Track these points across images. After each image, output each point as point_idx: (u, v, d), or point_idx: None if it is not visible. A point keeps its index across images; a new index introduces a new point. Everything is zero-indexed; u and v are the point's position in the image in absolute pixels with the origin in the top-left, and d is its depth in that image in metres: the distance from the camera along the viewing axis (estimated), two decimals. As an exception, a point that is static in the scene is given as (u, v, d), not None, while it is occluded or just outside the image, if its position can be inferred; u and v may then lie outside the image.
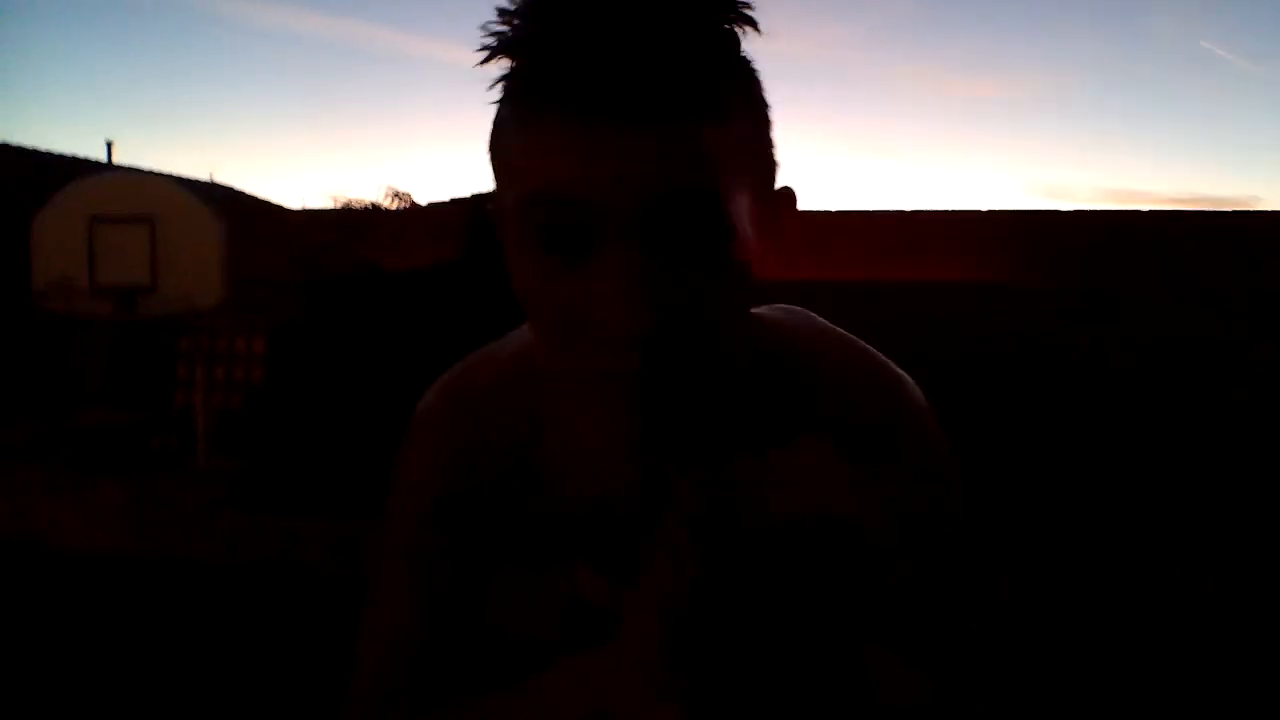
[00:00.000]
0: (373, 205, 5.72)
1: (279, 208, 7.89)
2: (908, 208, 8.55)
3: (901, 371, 0.74)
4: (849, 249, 8.08)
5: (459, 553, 0.74)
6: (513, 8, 0.53)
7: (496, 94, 0.58)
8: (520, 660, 0.72)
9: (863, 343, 0.75)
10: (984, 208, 8.80)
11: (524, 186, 0.55)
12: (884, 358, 0.75)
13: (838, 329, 0.76)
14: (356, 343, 4.94)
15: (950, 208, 8.88)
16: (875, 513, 0.69)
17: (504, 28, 0.54)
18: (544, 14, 0.52)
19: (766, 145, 0.61)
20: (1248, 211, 8.19)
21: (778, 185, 0.64)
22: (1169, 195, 17.31)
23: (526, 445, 0.73)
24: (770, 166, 0.62)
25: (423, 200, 6.43)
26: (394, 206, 5.84)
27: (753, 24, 0.55)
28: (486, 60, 0.55)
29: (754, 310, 0.73)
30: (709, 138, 0.53)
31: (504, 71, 0.56)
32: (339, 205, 5.84)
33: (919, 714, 0.69)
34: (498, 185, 0.61)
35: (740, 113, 0.57)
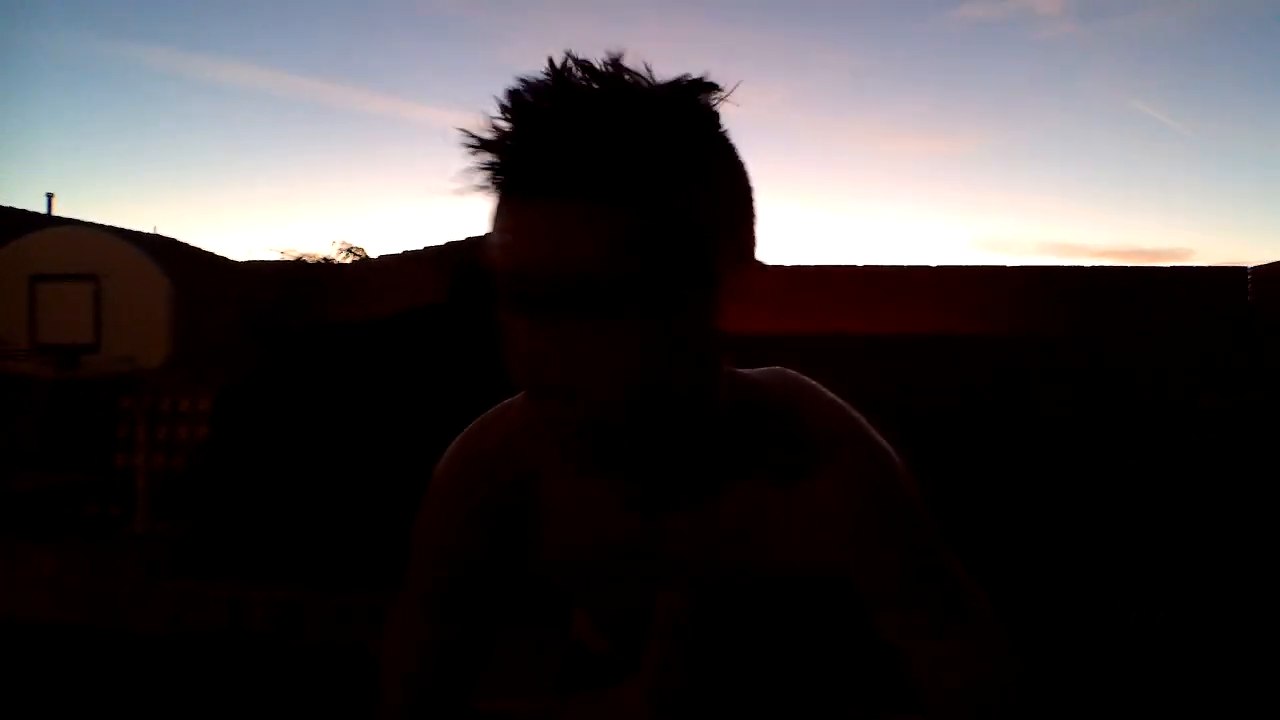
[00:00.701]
0: (324, 259, 5.65)
1: (226, 261, 7.76)
2: (858, 262, 8.70)
3: (864, 421, 0.80)
4: (799, 303, 8.17)
5: (472, 609, 0.84)
6: (498, 112, 0.61)
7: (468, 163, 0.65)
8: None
9: (842, 403, 0.81)
10: (930, 262, 9.00)
11: (500, 264, 0.64)
12: (848, 406, 0.81)
13: (822, 391, 0.82)
14: (309, 400, 4.83)
15: (898, 262, 9.05)
16: (849, 555, 0.76)
17: (489, 129, 0.62)
18: (516, 121, 0.61)
19: (727, 213, 0.67)
20: (1179, 266, 8.46)
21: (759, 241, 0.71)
22: (1106, 248, 17.87)
23: (532, 500, 0.81)
24: (735, 229, 0.69)
25: (375, 253, 6.40)
26: (346, 260, 5.76)
27: (711, 117, 0.65)
28: (474, 153, 0.63)
29: (742, 371, 0.80)
30: (649, 214, 0.61)
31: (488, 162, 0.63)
32: (289, 259, 5.76)
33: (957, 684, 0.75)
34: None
35: (692, 191, 0.63)
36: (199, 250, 7.78)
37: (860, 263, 8.68)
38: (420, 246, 7.78)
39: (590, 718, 0.81)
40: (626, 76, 0.61)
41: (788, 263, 8.56)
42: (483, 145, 0.62)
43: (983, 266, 8.88)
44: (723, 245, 0.67)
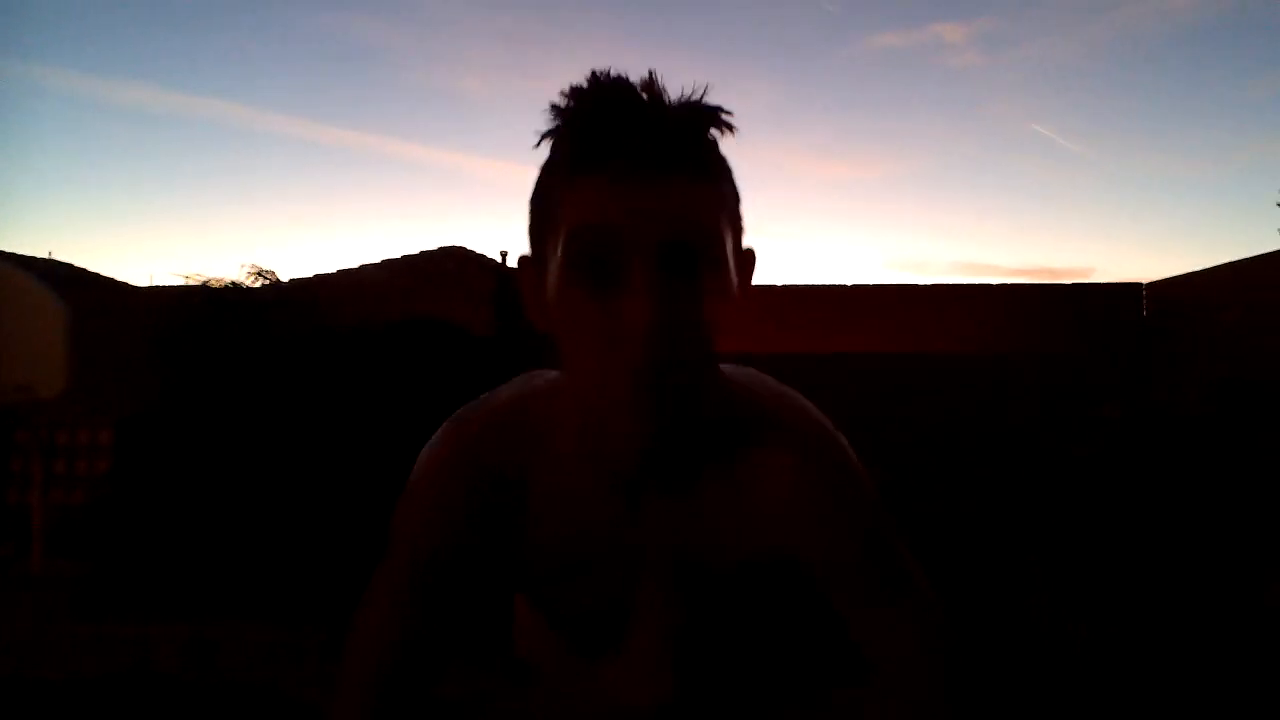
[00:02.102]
0: (233, 284, 5.45)
1: (127, 286, 7.46)
2: (778, 282, 8.81)
3: (826, 419, 0.90)
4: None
5: (445, 600, 0.86)
6: (567, 99, 0.72)
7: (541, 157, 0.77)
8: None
9: (798, 395, 0.91)
10: (848, 282, 9.18)
11: (570, 223, 0.71)
12: (812, 406, 0.91)
13: (779, 384, 0.91)
14: (217, 430, 4.65)
15: (817, 282, 9.20)
16: (811, 535, 0.84)
17: (561, 112, 0.73)
18: (591, 107, 0.71)
19: (738, 210, 0.79)
20: (1080, 284, 8.80)
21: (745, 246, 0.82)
22: (1015, 267, 18.52)
23: (517, 489, 0.85)
24: (741, 229, 0.80)
25: (286, 277, 6.21)
26: (256, 284, 5.58)
27: (731, 129, 0.75)
28: (546, 136, 0.74)
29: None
30: (709, 193, 0.73)
31: (559, 143, 0.74)
32: (195, 284, 5.54)
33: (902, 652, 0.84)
34: (537, 236, 0.77)
35: (726, 182, 0.76)
36: (98, 276, 7.47)
37: (779, 282, 8.80)
38: (335, 270, 7.61)
39: (568, 697, 0.87)
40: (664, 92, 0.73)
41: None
42: (563, 127, 0.73)
43: (895, 285, 9.10)
44: (741, 231, 0.80)
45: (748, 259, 0.83)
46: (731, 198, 0.77)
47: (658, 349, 0.69)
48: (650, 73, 0.72)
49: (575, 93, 0.72)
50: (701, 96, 0.73)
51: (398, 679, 0.84)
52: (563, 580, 0.88)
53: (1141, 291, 8.60)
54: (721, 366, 0.86)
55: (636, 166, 0.69)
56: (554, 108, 0.73)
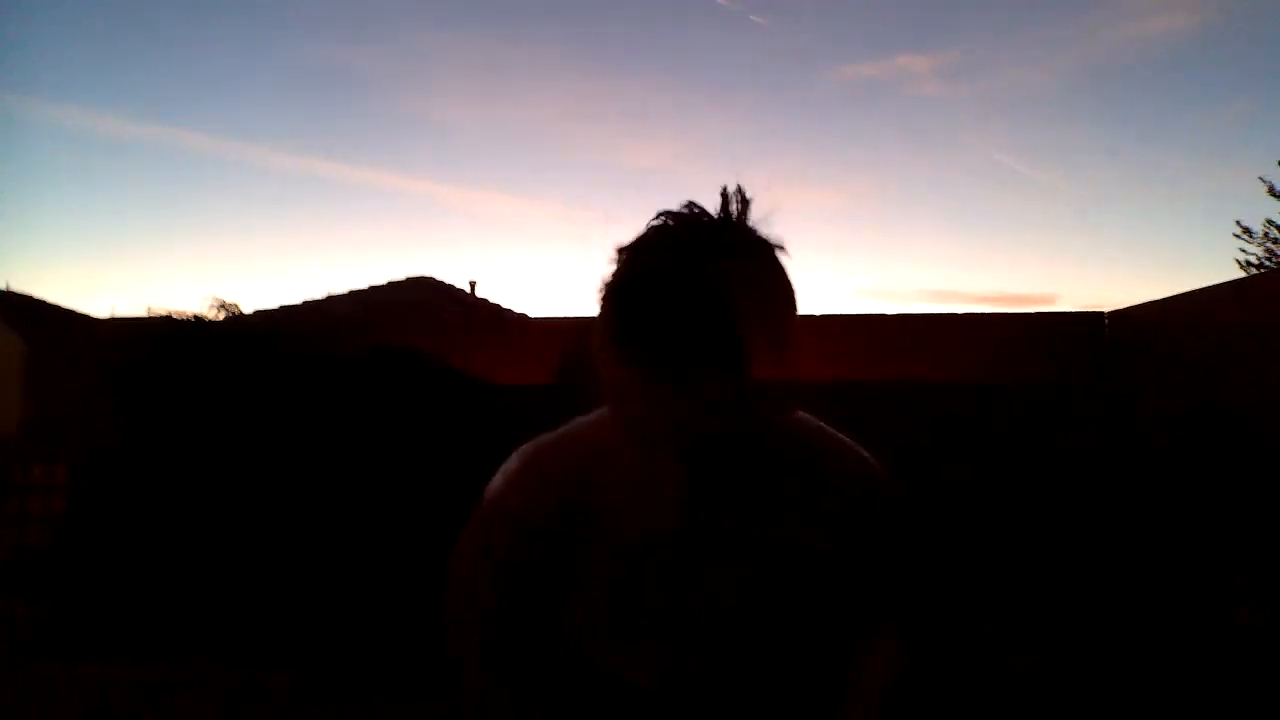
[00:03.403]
0: (196, 317, 5.35)
1: (86, 319, 7.30)
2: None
3: (865, 452, 1.05)
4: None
5: (525, 579, 0.97)
6: (627, 251, 0.86)
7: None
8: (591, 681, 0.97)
9: (843, 434, 1.06)
10: (816, 311, 9.24)
11: (612, 389, 0.86)
12: (852, 441, 1.05)
13: (835, 430, 1.06)
14: (179, 466, 4.55)
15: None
16: (848, 548, 0.97)
17: (608, 284, 0.85)
18: (630, 289, 0.83)
19: (784, 304, 0.89)
20: (1044, 312, 8.92)
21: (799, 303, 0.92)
22: (981, 294, 18.75)
23: (584, 489, 0.96)
24: (786, 312, 0.89)
25: (249, 309, 6.11)
26: (219, 316, 5.48)
27: (781, 249, 0.89)
28: (600, 298, 0.85)
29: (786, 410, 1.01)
30: (736, 371, 0.83)
31: (604, 295, 0.85)
32: (157, 316, 5.43)
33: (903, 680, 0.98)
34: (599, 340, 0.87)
35: (758, 338, 0.84)
36: (57, 307, 7.31)
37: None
38: (301, 301, 7.52)
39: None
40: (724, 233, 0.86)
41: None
42: (625, 312, 0.83)
43: (860, 315, 9.17)
44: (787, 318, 0.90)
45: (791, 336, 0.91)
46: (768, 319, 0.86)
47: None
48: (697, 225, 0.86)
49: (622, 263, 0.85)
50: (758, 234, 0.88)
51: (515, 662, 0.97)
52: (623, 591, 0.97)
53: (1104, 320, 8.74)
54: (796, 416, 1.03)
55: (663, 370, 0.81)
56: (618, 249, 0.86)
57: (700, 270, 0.82)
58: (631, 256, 0.85)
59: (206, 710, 3.56)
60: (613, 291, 0.84)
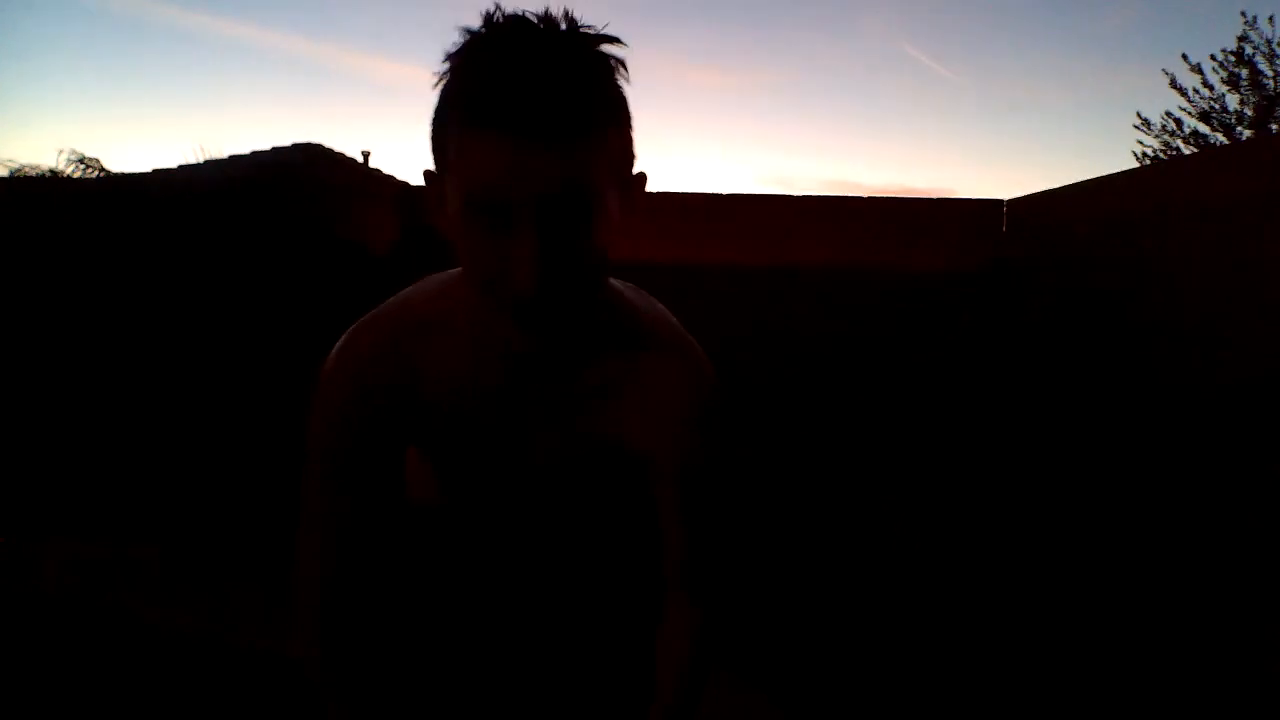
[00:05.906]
0: (51, 172, 4.92)
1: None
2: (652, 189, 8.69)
3: (694, 341, 1.05)
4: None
5: (368, 445, 0.98)
6: (464, 43, 0.80)
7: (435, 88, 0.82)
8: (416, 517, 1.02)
9: (673, 317, 1.07)
10: (719, 191, 9.13)
11: (463, 184, 0.80)
12: (683, 329, 1.06)
13: (659, 305, 1.07)
14: (36, 337, 4.27)
15: (686, 190, 9.12)
16: (657, 437, 1.01)
17: (453, 57, 0.80)
18: (481, 56, 0.78)
19: (628, 145, 0.87)
20: (943, 199, 9.00)
21: (636, 169, 0.90)
22: (878, 186, 18.91)
23: (410, 371, 0.97)
24: (630, 160, 0.88)
25: (114, 166, 5.65)
26: (78, 174, 5.06)
27: (623, 67, 0.83)
28: (440, 84, 0.81)
29: (610, 280, 1.01)
30: (591, 146, 0.79)
31: (451, 87, 0.80)
32: (6, 174, 4.99)
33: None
34: (438, 160, 0.85)
35: (610, 129, 0.82)
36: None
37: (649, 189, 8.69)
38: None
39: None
40: (563, 26, 0.79)
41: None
42: (455, 73, 0.80)
43: (761, 195, 9.11)
44: (628, 164, 0.88)
45: (637, 183, 0.92)
46: (617, 138, 0.84)
47: (538, 285, 0.80)
48: (546, 12, 0.80)
49: (468, 42, 0.80)
50: (598, 34, 0.81)
51: (344, 592, 0.99)
52: (449, 447, 1.01)
53: (1002, 207, 8.86)
54: (614, 282, 1.02)
55: (520, 129, 0.76)
56: (448, 55, 0.81)
57: (571, 44, 0.79)
58: (482, 36, 0.80)
59: (76, 586, 3.42)
60: (473, 50, 0.79)
